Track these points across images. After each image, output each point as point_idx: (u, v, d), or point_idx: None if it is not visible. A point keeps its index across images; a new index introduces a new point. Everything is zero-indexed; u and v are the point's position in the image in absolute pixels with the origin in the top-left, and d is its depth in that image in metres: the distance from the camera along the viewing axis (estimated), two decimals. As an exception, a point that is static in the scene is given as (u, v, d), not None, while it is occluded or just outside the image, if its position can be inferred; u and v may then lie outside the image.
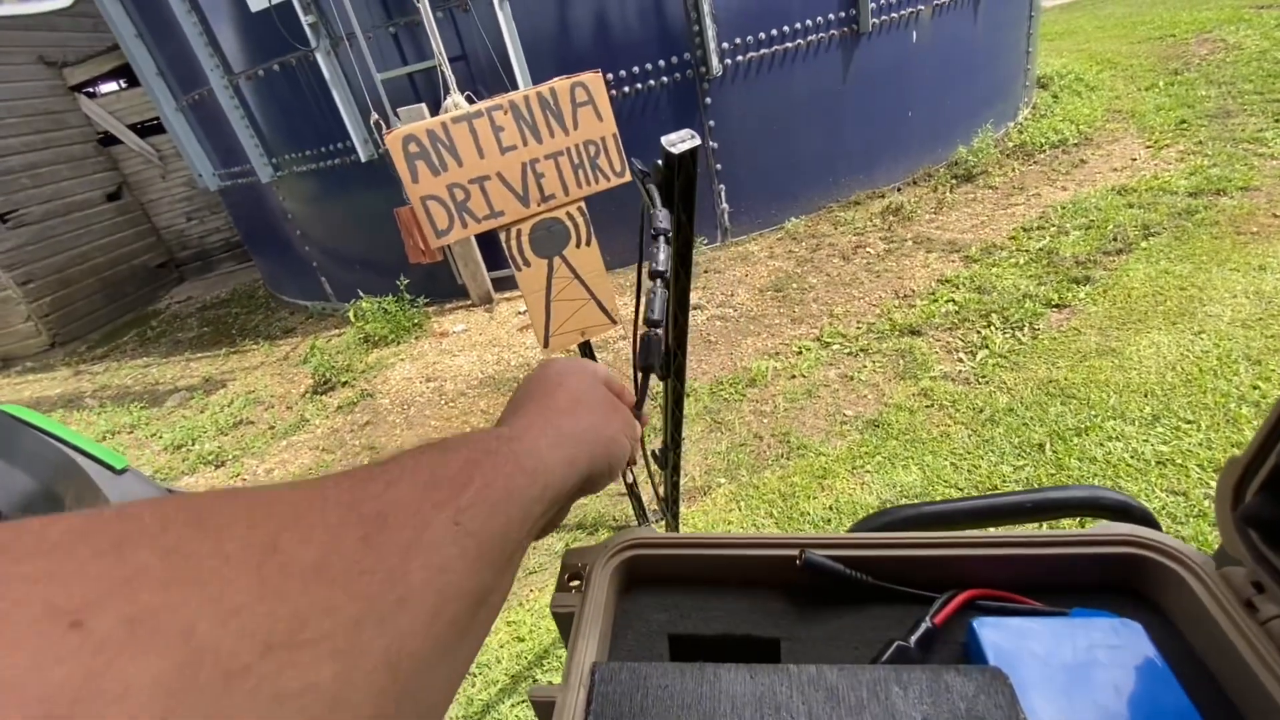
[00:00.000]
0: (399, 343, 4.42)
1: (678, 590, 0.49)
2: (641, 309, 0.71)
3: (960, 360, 2.75)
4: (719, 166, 4.38)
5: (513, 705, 1.75)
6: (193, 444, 3.80)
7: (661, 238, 0.79)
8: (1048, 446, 2.15)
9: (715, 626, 0.46)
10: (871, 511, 0.87)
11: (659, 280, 0.68)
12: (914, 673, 0.37)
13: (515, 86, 3.93)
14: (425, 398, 3.71)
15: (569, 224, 1.74)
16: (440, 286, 4.73)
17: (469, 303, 4.74)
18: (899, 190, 4.77)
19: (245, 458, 3.54)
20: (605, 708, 0.38)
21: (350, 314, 4.54)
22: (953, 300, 3.20)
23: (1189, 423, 2.11)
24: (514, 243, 1.70)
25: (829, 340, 3.18)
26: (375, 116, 3.96)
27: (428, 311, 4.65)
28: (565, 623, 0.46)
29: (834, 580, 0.46)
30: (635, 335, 1.14)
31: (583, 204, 1.72)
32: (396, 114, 4.02)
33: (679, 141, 0.74)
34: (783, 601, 0.47)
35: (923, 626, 0.42)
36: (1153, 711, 0.36)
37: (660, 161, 0.79)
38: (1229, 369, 2.29)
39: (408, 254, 4.77)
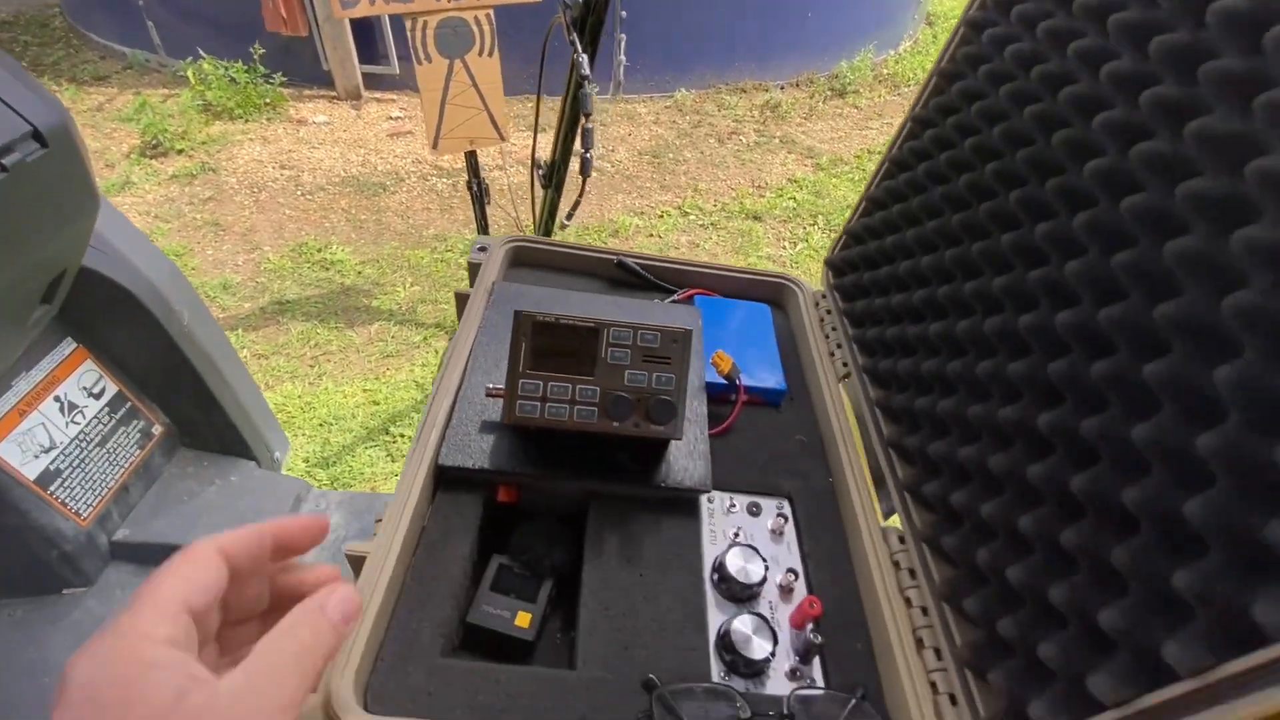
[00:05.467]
0: (247, 120, 4.04)
1: (542, 271, 0.83)
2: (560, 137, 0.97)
3: (784, 247, 3.29)
4: (624, 13, 4.34)
5: (365, 448, 2.07)
6: (-21, 180, 3.31)
7: (585, 82, 1.05)
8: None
9: (562, 288, 0.81)
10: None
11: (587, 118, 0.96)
12: (651, 302, 0.75)
13: None
14: (279, 185, 3.55)
15: (475, 29, 1.83)
16: (301, 67, 4.29)
17: (333, 94, 4.38)
18: (781, 89, 5.09)
19: (56, 207, 3.20)
20: (498, 296, 0.71)
21: (188, 74, 4.00)
22: (794, 198, 3.70)
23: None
24: (419, 34, 1.77)
25: (688, 211, 3.56)
26: None
27: (283, 93, 4.23)
28: (474, 270, 0.77)
29: (632, 275, 0.82)
30: (532, 164, 1.40)
31: (491, 13, 1.82)
32: None
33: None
34: (602, 283, 0.83)
35: (671, 299, 0.81)
36: (759, 339, 0.78)
37: None
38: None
39: (264, 19, 4.21)
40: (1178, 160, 0.38)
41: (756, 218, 3.52)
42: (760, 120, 4.60)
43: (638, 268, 0.83)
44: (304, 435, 2.09)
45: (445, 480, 0.60)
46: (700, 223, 3.47)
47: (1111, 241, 0.42)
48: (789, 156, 4.21)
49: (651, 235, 3.34)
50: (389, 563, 0.51)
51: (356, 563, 0.52)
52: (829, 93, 5.08)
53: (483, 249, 0.79)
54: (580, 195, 1.25)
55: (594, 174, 3.90)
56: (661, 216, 3.48)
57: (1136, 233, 0.40)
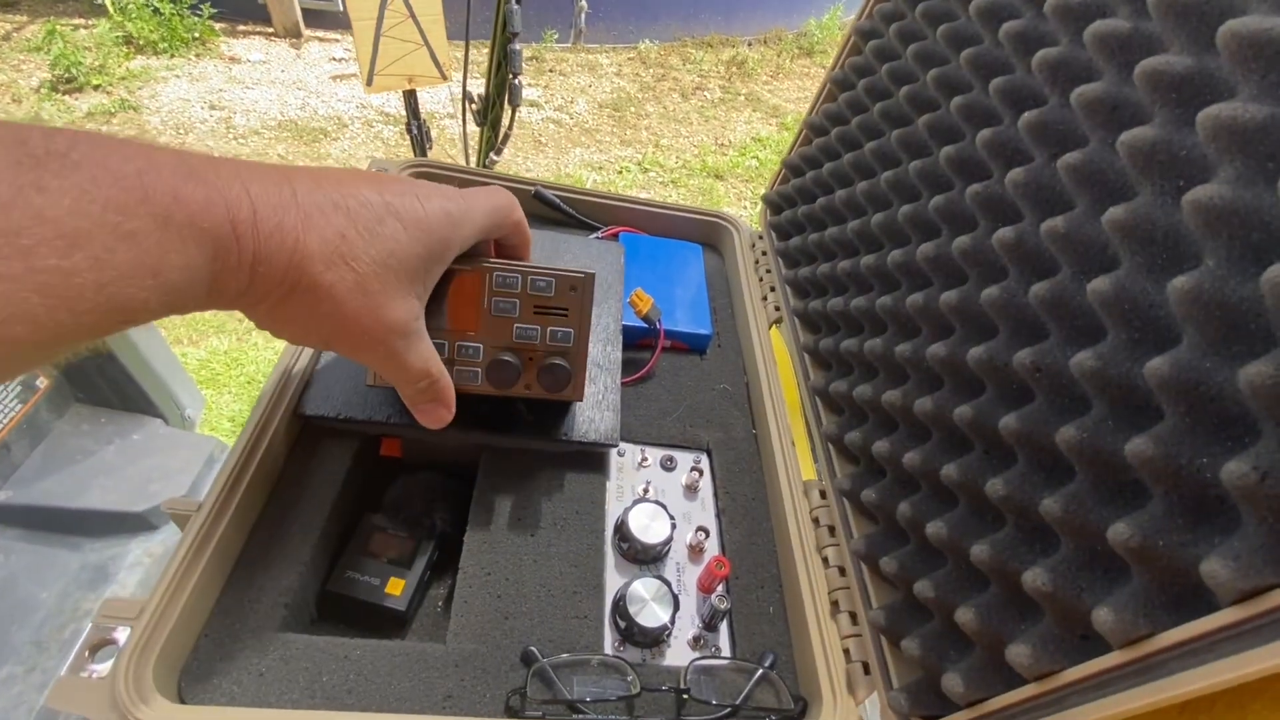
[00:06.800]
0: (173, 55, 3.72)
1: (450, 199, 0.74)
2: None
3: (745, 207, 3.22)
4: (585, -43, 4.12)
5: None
6: None
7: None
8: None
9: (469, 217, 0.72)
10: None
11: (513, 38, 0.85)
12: (570, 237, 0.67)
13: None
14: (208, 127, 3.29)
15: (407, -50, 1.67)
16: (233, 0, 3.96)
17: (270, 30, 4.07)
18: (749, 45, 4.94)
19: (-48, 144, 2.90)
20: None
21: (106, 2, 3.65)
22: (757, 158, 3.61)
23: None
24: (342, -49, 1.59)
25: (648, 167, 3.44)
26: None
27: (214, 27, 3.90)
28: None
29: (551, 208, 0.74)
30: (464, 96, 1.28)
31: (424, -68, 1.65)
32: None
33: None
34: (517, 215, 0.75)
35: (594, 235, 0.73)
36: (686, 280, 0.70)
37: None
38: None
39: (191, -56, 3.85)
40: (1078, 64, 0.32)
41: (718, 176, 3.42)
42: (726, 76, 4.46)
43: (558, 201, 0.74)
44: (230, 393, 1.97)
45: (307, 431, 0.52)
46: (660, 180, 3.36)
47: (1063, 144, 0.36)
48: (754, 114, 4.10)
49: (610, 191, 3.22)
50: (221, 523, 0.43)
51: (181, 521, 0.44)
52: (797, 51, 4.95)
53: (381, 170, 0.69)
54: (510, 126, 1.15)
55: (551, 126, 3.73)
56: (621, 172, 3.36)
57: (1085, 132, 0.34)
